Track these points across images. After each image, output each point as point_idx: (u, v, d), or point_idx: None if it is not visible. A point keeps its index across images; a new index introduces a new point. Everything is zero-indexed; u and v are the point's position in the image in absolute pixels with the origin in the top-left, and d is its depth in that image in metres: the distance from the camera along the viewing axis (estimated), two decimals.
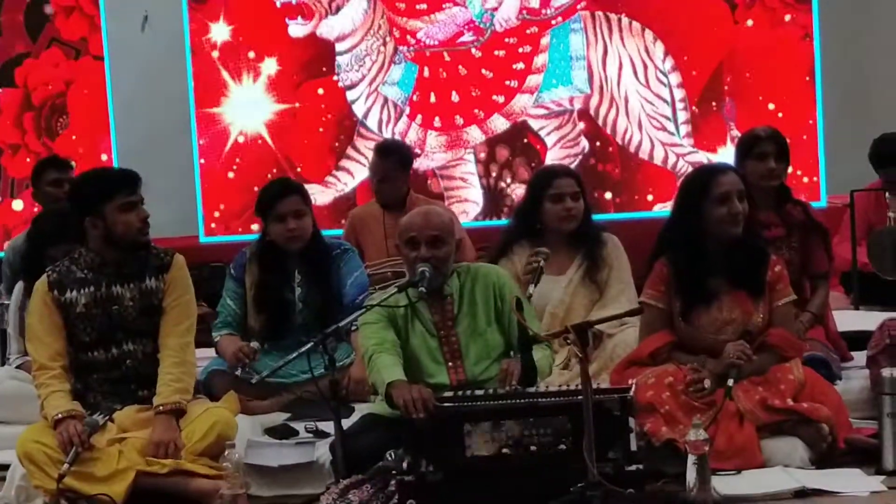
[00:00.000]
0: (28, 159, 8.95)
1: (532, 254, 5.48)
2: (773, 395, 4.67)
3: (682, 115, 8.63)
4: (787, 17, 8.50)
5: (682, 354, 4.87)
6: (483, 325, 4.87)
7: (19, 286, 5.91)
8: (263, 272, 5.65)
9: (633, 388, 4.48)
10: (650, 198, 8.64)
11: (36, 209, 7.64)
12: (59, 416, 4.68)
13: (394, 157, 6.86)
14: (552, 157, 8.68)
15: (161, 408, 4.78)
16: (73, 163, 7.54)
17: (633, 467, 4.31)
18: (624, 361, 5.00)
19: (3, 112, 9.11)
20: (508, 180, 8.78)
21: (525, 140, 8.77)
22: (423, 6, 8.76)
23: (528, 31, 8.71)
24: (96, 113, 9.14)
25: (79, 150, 9.08)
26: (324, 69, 8.85)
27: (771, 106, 8.50)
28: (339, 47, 8.85)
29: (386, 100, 8.83)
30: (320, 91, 8.87)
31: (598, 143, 8.68)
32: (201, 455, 4.74)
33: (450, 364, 4.84)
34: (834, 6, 8.58)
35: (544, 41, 8.70)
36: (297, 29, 8.84)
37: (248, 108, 8.90)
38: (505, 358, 4.81)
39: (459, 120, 8.80)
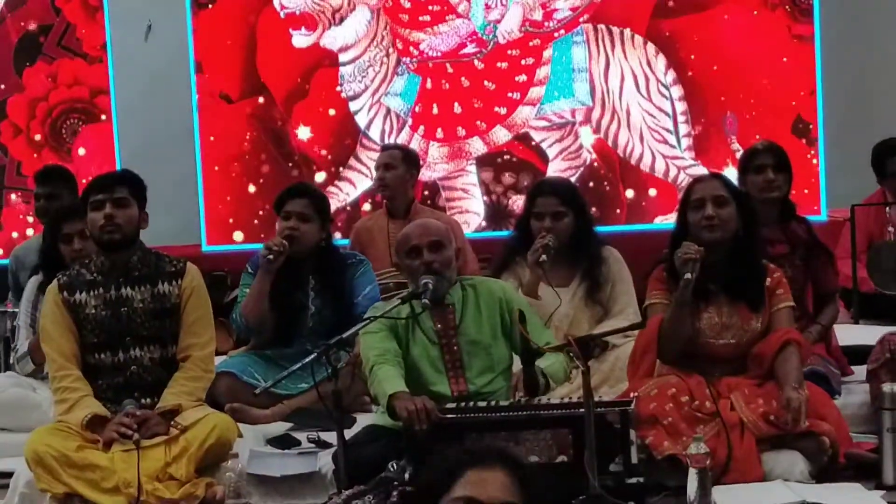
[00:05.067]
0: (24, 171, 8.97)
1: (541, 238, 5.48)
2: (775, 408, 4.68)
3: (684, 128, 8.66)
4: (789, 31, 8.53)
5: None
6: (488, 338, 4.88)
7: (33, 280, 5.91)
8: (278, 272, 5.70)
9: (633, 402, 4.50)
10: (651, 210, 8.67)
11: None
12: (89, 416, 4.71)
13: (394, 149, 7.16)
14: (554, 169, 8.71)
15: (162, 409, 4.81)
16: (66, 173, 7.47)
17: (634, 480, 4.33)
18: (637, 352, 5.00)
19: (12, 120, 9.12)
20: (510, 192, 8.80)
21: (526, 152, 8.79)
22: (426, 18, 8.79)
23: (530, 44, 8.73)
24: (100, 122, 9.15)
25: (85, 158, 9.10)
26: (326, 80, 8.88)
27: (771, 119, 8.53)
28: (342, 58, 8.87)
29: (388, 111, 8.86)
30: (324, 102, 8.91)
31: (599, 156, 8.71)
32: (204, 460, 4.76)
33: (451, 374, 4.85)
34: (835, 20, 8.60)
35: (546, 53, 8.72)
36: (301, 39, 8.87)
37: (252, 117, 8.94)
38: (509, 371, 4.84)
39: (461, 131, 8.82)
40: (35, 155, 9.15)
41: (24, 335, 5.87)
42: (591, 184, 8.67)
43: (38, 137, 9.21)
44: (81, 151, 9.17)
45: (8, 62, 9.22)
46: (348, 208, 8.84)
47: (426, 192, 8.76)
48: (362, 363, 5.04)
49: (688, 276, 4.69)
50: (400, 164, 6.96)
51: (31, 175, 7.53)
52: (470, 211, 8.84)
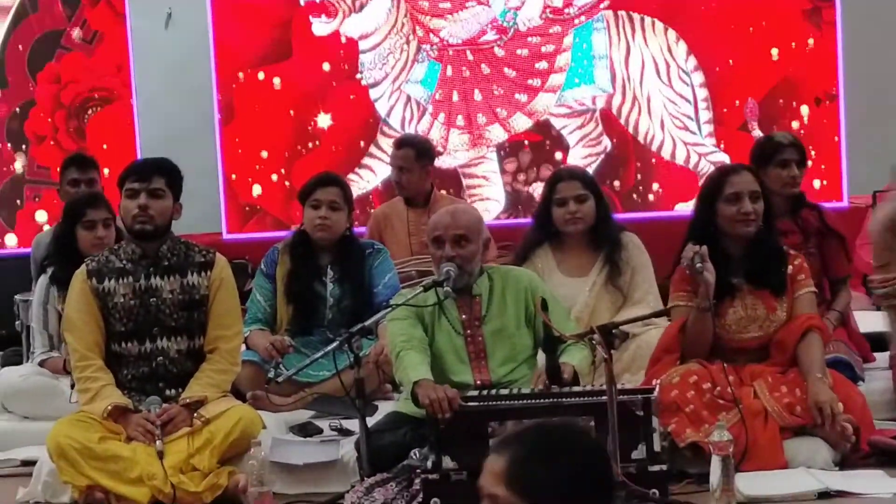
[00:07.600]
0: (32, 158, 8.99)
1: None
2: (799, 399, 4.67)
3: (705, 115, 8.64)
4: (811, 18, 8.50)
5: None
6: (512, 327, 4.88)
7: (42, 280, 5.92)
8: (295, 263, 5.70)
9: (656, 389, 4.50)
10: (671, 197, 8.65)
11: None
12: (111, 407, 4.69)
13: (407, 147, 6.95)
14: (574, 157, 8.70)
15: (187, 400, 4.79)
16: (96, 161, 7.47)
17: (657, 467, 4.33)
18: (657, 353, 5.00)
19: (37, 107, 9.13)
20: (530, 179, 8.79)
21: (547, 139, 8.79)
22: (447, 5, 8.78)
23: (550, 30, 8.72)
24: (122, 109, 9.16)
25: (104, 146, 9.09)
26: (346, 68, 8.88)
27: (793, 106, 8.50)
28: (362, 45, 8.87)
29: (409, 98, 8.85)
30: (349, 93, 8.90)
31: (619, 143, 8.69)
32: (227, 452, 4.76)
33: (474, 363, 4.85)
34: (858, 5, 8.56)
35: (567, 40, 8.71)
36: (321, 27, 8.86)
37: (272, 105, 8.94)
38: (532, 360, 4.84)
39: (482, 118, 8.81)
40: (61, 146, 9.11)
41: (40, 342, 5.88)
42: (611, 170, 8.66)
43: (62, 127, 9.18)
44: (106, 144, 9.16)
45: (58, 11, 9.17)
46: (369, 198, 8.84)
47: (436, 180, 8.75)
48: (384, 357, 5.06)
49: (698, 265, 4.69)
50: (414, 165, 6.86)
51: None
52: (490, 198, 8.83)
